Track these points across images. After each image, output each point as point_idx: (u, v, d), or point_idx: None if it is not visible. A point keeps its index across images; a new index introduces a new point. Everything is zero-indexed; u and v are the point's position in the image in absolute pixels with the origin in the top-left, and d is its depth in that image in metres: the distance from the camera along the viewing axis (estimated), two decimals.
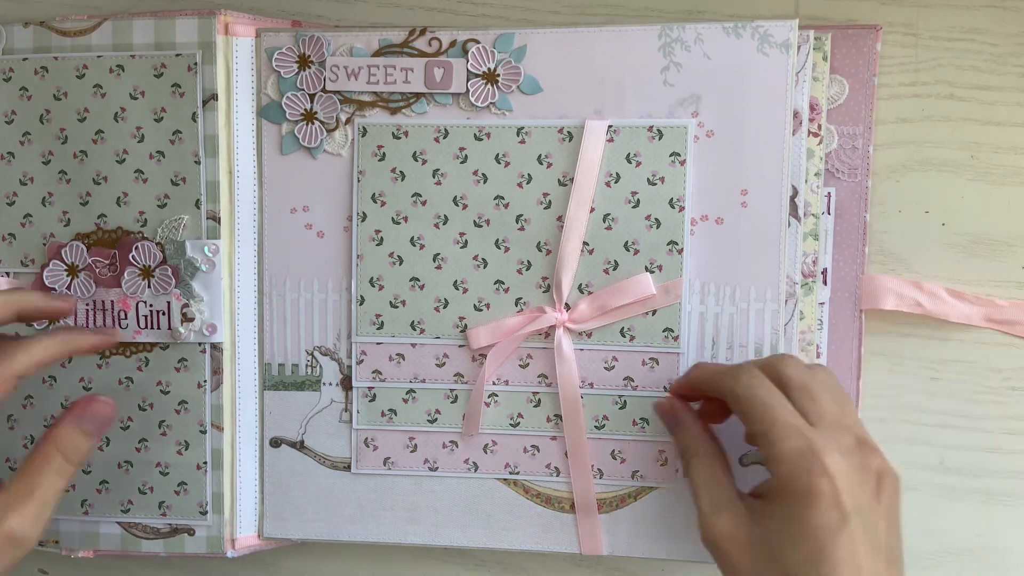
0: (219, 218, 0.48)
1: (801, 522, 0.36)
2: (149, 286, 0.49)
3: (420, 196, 0.48)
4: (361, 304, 0.48)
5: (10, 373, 0.41)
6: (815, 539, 0.36)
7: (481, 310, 0.48)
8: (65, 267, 0.50)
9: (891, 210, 0.48)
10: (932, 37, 0.48)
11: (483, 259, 0.48)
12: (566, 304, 0.47)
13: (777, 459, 0.38)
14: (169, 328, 0.49)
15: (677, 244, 0.46)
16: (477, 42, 0.47)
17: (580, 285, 0.47)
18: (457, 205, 0.48)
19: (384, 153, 0.48)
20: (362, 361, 0.49)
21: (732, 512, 0.40)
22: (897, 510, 0.38)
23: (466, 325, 0.48)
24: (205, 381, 0.49)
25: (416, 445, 0.49)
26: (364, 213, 0.48)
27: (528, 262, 0.47)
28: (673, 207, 0.46)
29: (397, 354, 0.48)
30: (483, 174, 0.47)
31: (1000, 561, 0.49)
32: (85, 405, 0.43)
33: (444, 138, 0.48)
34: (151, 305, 0.49)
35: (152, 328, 0.49)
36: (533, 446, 0.48)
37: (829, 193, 0.48)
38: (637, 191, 0.47)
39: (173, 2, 0.50)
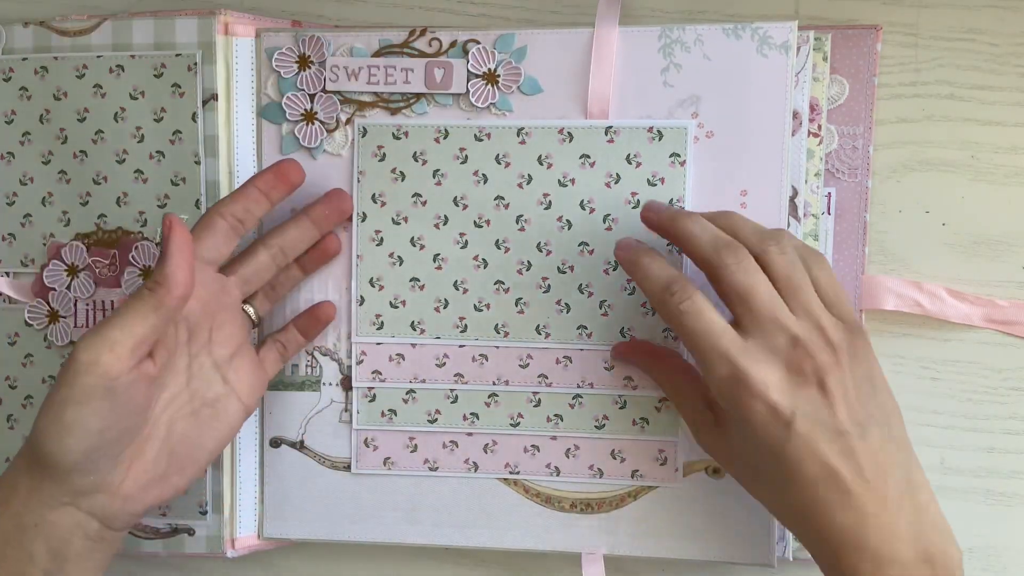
0: None
1: (751, 438, 0.38)
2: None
3: (420, 196, 0.48)
4: (361, 304, 0.48)
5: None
6: (769, 448, 0.38)
7: (481, 310, 0.48)
8: (65, 267, 0.50)
9: (891, 210, 0.48)
10: (932, 37, 0.48)
11: (483, 259, 0.48)
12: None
13: (712, 385, 0.39)
14: None
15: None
16: (477, 42, 0.47)
17: (580, 286, 0.47)
18: (457, 205, 0.48)
19: (384, 153, 0.48)
20: (362, 361, 0.49)
21: (708, 429, 0.43)
22: (866, 367, 0.39)
23: (466, 325, 0.48)
24: None
25: (416, 445, 0.49)
26: (364, 213, 0.48)
27: (528, 262, 0.47)
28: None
29: (397, 354, 0.48)
30: (483, 174, 0.47)
31: (1000, 561, 0.49)
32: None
33: (444, 138, 0.47)
34: None
35: None
36: (533, 446, 0.48)
37: (829, 193, 0.47)
38: (637, 192, 0.47)
39: (173, 2, 0.50)
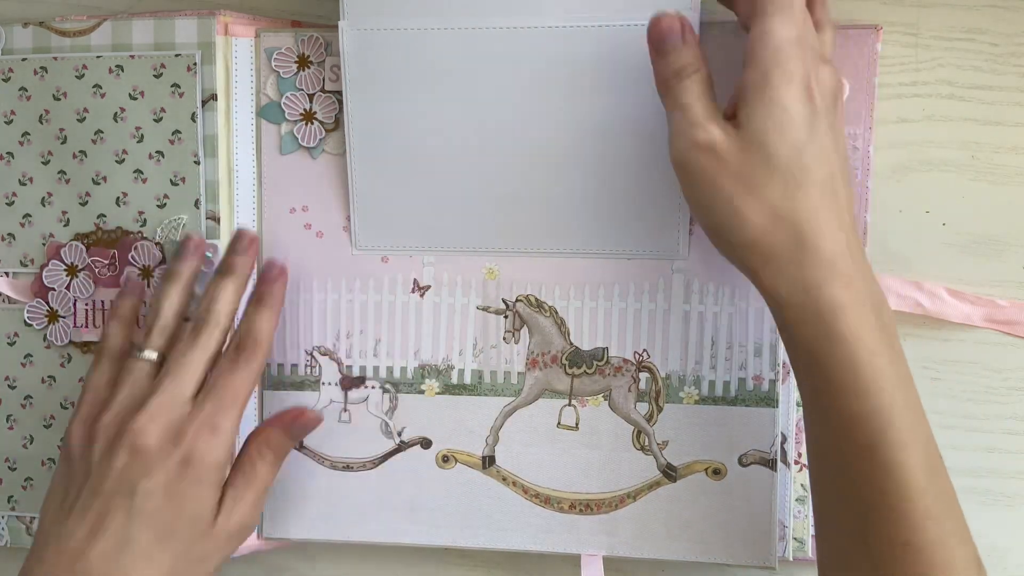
0: (219, 218, 0.48)
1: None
2: (148, 286, 0.49)
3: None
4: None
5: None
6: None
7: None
8: (64, 267, 0.50)
9: (892, 210, 0.48)
10: (932, 37, 0.47)
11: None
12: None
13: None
14: None
15: None
16: None
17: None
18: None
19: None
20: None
21: (722, 123, 0.39)
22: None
23: None
24: None
25: None
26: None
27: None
28: None
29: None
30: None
31: (1000, 561, 0.49)
32: (297, 416, 0.46)
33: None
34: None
35: None
36: None
37: None
38: None
39: (173, 2, 0.50)
